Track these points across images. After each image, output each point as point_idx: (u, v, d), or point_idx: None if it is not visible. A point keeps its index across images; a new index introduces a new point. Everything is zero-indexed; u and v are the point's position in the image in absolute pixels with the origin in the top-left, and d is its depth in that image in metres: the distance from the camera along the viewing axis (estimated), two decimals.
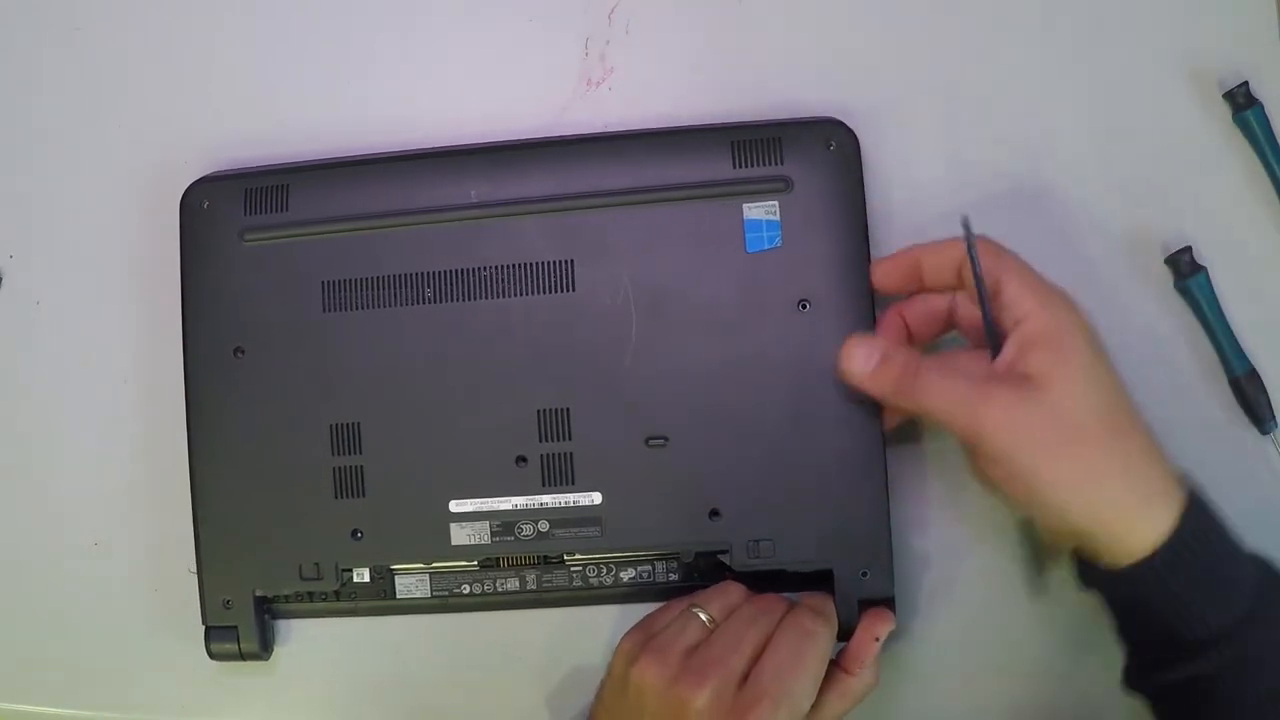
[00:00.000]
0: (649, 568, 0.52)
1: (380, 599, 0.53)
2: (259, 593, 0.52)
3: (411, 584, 0.53)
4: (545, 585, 0.52)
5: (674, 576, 0.52)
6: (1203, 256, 0.52)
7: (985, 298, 0.46)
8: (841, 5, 0.55)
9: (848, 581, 0.49)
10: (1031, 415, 0.43)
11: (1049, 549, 0.51)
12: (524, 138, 0.54)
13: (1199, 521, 0.44)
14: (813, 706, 0.46)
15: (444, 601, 0.53)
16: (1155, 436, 0.45)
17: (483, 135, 0.54)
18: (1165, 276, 0.52)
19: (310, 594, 0.53)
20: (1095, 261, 0.53)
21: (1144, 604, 0.44)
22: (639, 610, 0.53)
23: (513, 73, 0.56)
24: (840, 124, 0.51)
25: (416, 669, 0.54)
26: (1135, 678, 0.46)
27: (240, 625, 0.52)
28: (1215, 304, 0.52)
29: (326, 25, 0.57)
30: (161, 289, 0.55)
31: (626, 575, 0.52)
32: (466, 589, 0.53)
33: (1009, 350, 0.45)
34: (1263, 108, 0.52)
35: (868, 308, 0.50)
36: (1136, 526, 0.43)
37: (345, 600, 0.53)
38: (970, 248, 0.47)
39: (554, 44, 0.56)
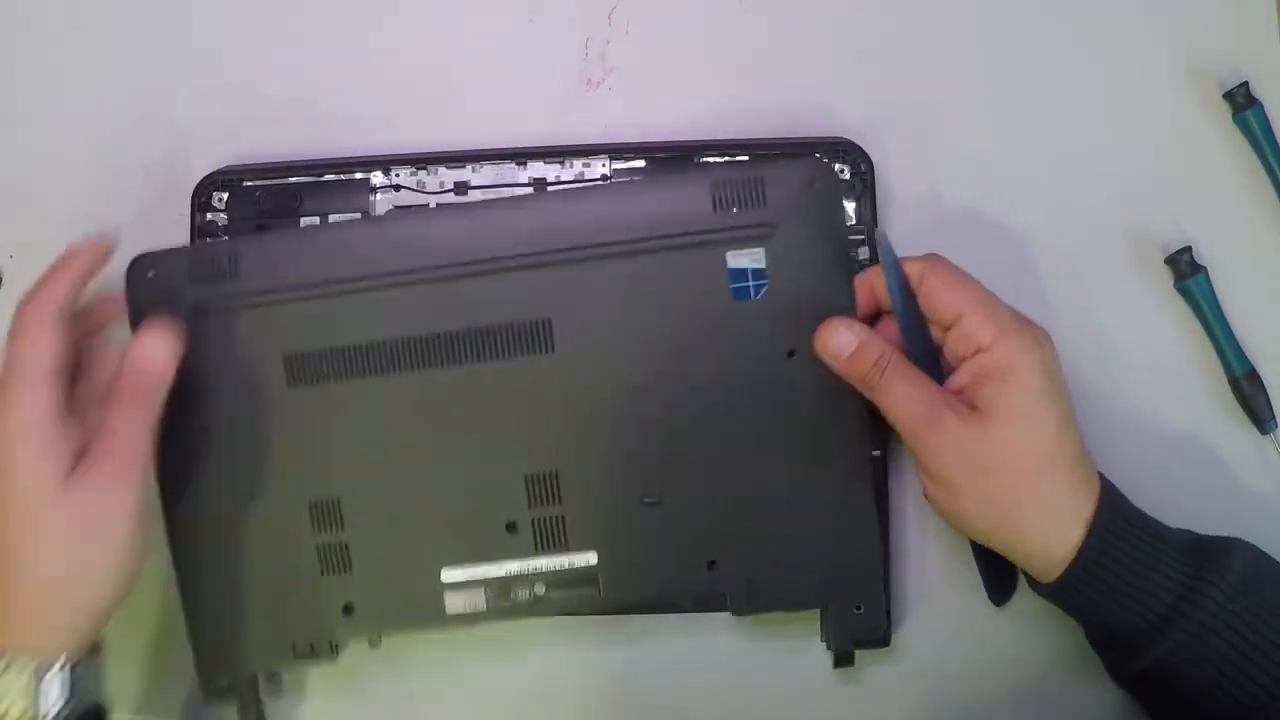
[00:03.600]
0: None
1: None
2: (253, 672, 0.51)
3: None
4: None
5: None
6: (1203, 256, 0.52)
7: (900, 314, 0.48)
8: (842, 5, 0.55)
9: (841, 618, 0.49)
10: (969, 444, 0.45)
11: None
12: (520, 146, 0.54)
13: (1107, 528, 0.45)
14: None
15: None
16: (1088, 459, 0.46)
17: (483, 135, 0.54)
18: (1165, 276, 0.52)
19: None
20: (1095, 262, 0.53)
21: (1079, 611, 0.47)
22: (638, 621, 0.53)
23: (513, 73, 0.56)
24: (834, 147, 0.51)
25: (425, 675, 0.54)
26: (1115, 675, 0.48)
27: (240, 709, 0.51)
28: (1215, 304, 0.52)
29: (325, 22, 0.57)
30: None
31: None
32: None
33: (963, 376, 0.47)
34: (1263, 108, 0.52)
35: None
36: (1051, 546, 0.45)
37: None
38: (883, 259, 0.48)
39: (554, 44, 0.56)
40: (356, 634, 0.51)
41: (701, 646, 0.53)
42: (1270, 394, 0.52)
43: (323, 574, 0.50)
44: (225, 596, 0.50)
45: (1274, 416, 0.51)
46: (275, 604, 0.50)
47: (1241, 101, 0.52)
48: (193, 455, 0.50)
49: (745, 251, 0.48)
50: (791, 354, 0.49)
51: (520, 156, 0.53)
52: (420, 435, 0.49)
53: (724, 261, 0.49)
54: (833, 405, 0.49)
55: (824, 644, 0.51)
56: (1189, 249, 0.52)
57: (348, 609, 0.50)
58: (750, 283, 0.49)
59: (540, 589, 0.50)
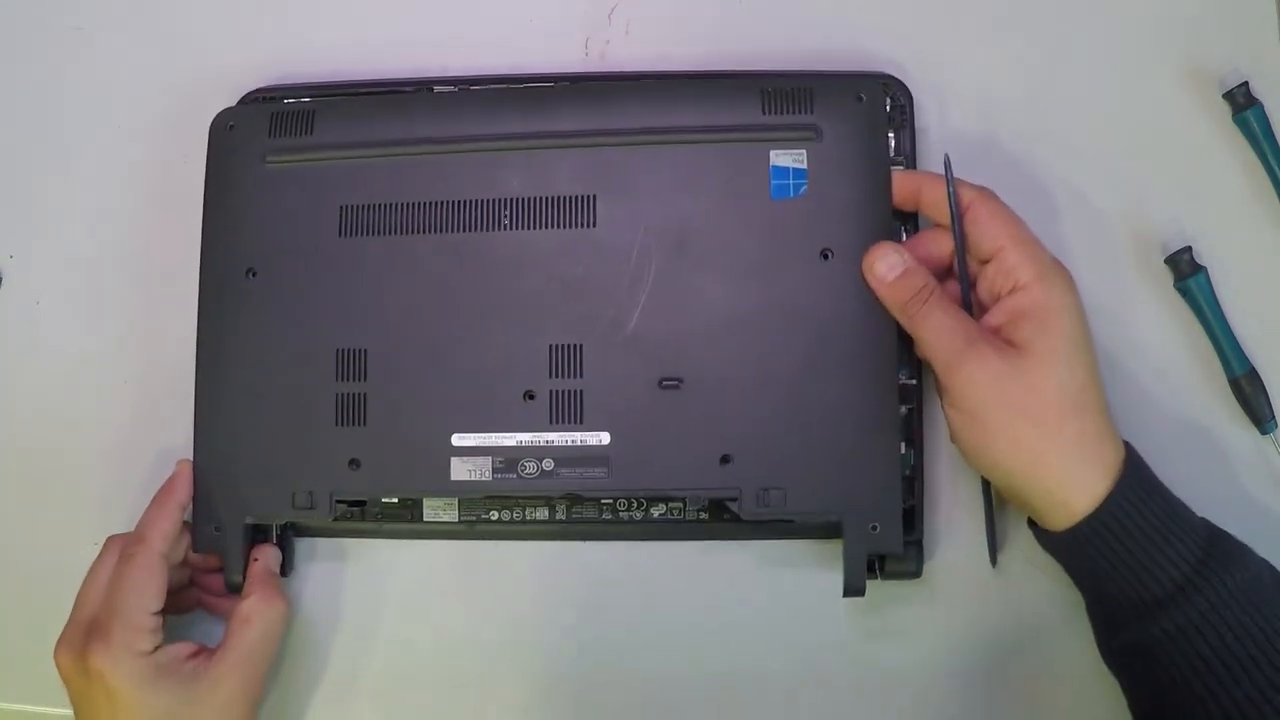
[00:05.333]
0: (680, 504, 0.52)
1: (407, 521, 0.53)
2: (250, 520, 0.51)
3: (439, 507, 0.53)
4: (575, 517, 0.52)
5: (704, 515, 0.52)
6: (1203, 256, 0.52)
7: (960, 238, 0.48)
8: (841, 13, 0.55)
9: (857, 535, 0.48)
10: (1005, 379, 0.45)
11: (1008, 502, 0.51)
12: (553, 72, 0.54)
13: (1132, 491, 0.45)
14: (224, 639, 0.50)
15: (471, 528, 0.52)
16: (1109, 413, 0.47)
17: None
18: (1165, 276, 0.52)
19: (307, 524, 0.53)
20: (1095, 261, 0.53)
21: (1082, 569, 0.47)
22: (668, 547, 0.53)
23: (513, 73, 0.56)
24: (877, 80, 0.52)
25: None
26: (1102, 647, 0.48)
27: (227, 556, 0.51)
28: (1215, 304, 0.52)
29: (324, 23, 0.57)
30: (159, 288, 0.55)
31: (657, 512, 0.52)
32: (495, 515, 0.52)
33: (999, 314, 0.47)
34: (1263, 108, 0.52)
35: None
36: (1073, 493, 0.45)
37: (370, 521, 0.53)
38: (949, 185, 0.49)
39: (554, 43, 0.56)
40: (358, 490, 0.51)
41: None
42: (1270, 394, 0.51)
43: (337, 424, 0.50)
44: (239, 436, 0.51)
45: (1274, 416, 0.51)
46: (285, 448, 0.51)
47: (1241, 101, 0.52)
48: (236, 293, 0.52)
49: (788, 151, 0.50)
50: (825, 256, 0.49)
51: (549, 89, 0.54)
52: (455, 295, 0.51)
53: (767, 159, 0.50)
54: (863, 312, 0.49)
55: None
56: (1189, 249, 0.52)
57: (354, 463, 0.50)
58: (790, 181, 0.50)
59: (549, 464, 0.50)
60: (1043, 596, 0.51)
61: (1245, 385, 0.51)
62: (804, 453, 0.49)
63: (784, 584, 0.53)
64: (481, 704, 0.53)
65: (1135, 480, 0.45)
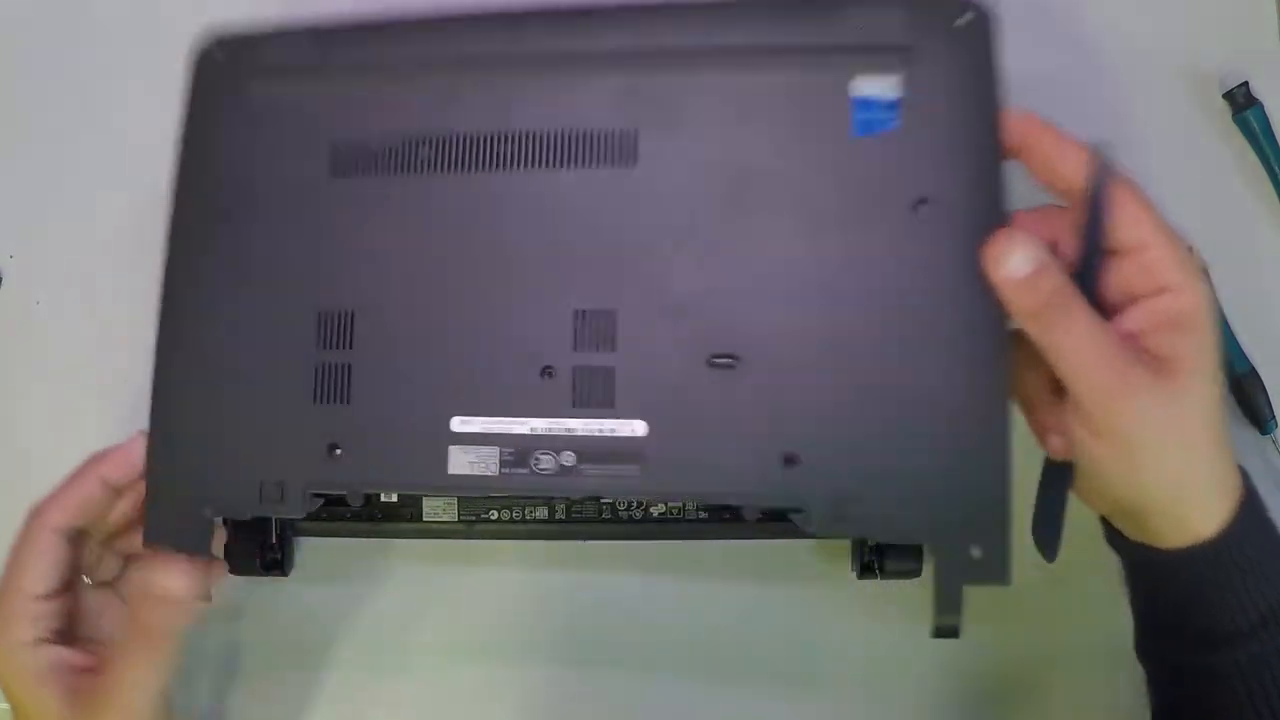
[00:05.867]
0: (679, 504, 0.46)
1: (406, 520, 0.48)
2: (209, 514, 0.42)
3: (439, 508, 0.49)
4: (575, 516, 0.48)
5: (704, 514, 0.46)
6: (1203, 256, 0.52)
7: (1097, 234, 0.40)
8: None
9: (951, 558, 0.39)
10: (1159, 402, 0.39)
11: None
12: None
13: (1252, 519, 0.42)
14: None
15: (470, 527, 0.48)
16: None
17: None
18: None
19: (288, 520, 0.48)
20: None
21: (1178, 587, 0.42)
22: (667, 546, 0.51)
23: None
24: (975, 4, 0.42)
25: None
26: (1148, 649, 0.45)
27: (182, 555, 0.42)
28: (1215, 304, 0.52)
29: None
30: (159, 288, 0.55)
31: (656, 510, 0.47)
32: (495, 515, 0.49)
33: (1138, 318, 0.40)
34: (1263, 108, 0.52)
35: (1001, 212, 0.40)
36: (1199, 516, 0.41)
37: (366, 520, 0.49)
38: (1098, 179, 0.40)
39: None
40: (336, 483, 0.42)
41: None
42: (1270, 394, 0.51)
43: (315, 401, 0.42)
44: (201, 413, 0.43)
45: (1274, 416, 0.51)
46: (253, 431, 0.42)
47: (1241, 101, 0.52)
48: (203, 243, 0.44)
49: (877, 78, 0.41)
50: (920, 204, 0.40)
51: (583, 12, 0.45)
52: (465, 247, 0.42)
53: (849, 87, 0.41)
54: (967, 275, 0.39)
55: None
56: (1189, 249, 0.52)
57: (334, 449, 0.42)
58: (878, 115, 0.41)
59: (569, 458, 0.41)
60: (1046, 595, 0.51)
61: (1245, 385, 0.51)
62: (890, 454, 0.39)
63: (785, 583, 0.53)
64: (481, 703, 0.53)
65: (1255, 508, 0.42)
